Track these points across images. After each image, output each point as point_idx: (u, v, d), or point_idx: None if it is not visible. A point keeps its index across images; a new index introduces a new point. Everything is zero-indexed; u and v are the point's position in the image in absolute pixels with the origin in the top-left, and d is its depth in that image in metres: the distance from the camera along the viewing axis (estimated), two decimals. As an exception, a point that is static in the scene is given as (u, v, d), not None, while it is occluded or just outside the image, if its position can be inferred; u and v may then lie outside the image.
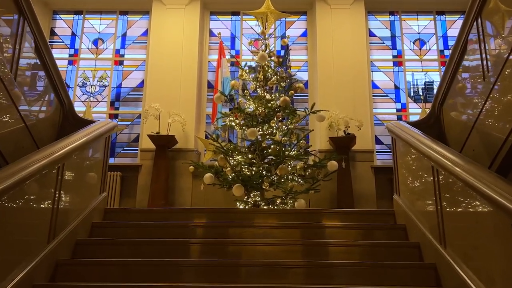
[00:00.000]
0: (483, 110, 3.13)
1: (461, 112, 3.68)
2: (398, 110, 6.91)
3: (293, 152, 5.29)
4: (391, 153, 6.84)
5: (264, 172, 5.16)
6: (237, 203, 5.33)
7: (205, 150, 6.69)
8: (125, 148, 6.84)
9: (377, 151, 6.68)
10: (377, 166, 6.43)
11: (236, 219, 3.81)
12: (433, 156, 2.89)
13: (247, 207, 5.30)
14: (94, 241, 3.37)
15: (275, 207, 5.27)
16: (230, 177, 5.17)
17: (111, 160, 6.76)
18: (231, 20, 7.43)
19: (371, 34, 7.20)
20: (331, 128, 6.48)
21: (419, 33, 7.23)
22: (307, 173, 5.35)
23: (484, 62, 3.12)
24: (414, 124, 4.00)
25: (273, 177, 5.16)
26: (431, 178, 3.00)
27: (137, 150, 6.71)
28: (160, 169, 6.13)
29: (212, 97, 6.60)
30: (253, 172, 5.15)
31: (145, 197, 6.18)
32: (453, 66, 3.74)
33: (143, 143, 6.59)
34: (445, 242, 2.81)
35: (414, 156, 3.45)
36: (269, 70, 5.74)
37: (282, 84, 5.71)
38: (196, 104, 6.77)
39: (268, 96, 5.66)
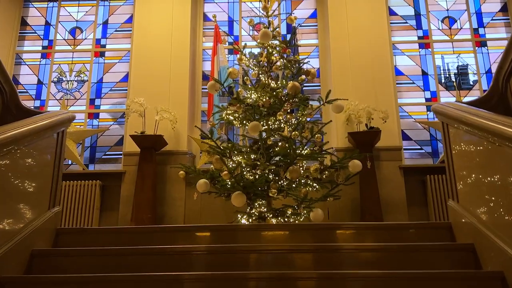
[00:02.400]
0: None
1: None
2: (427, 100, 5.85)
3: (306, 151, 4.26)
4: (421, 151, 5.83)
5: (270, 176, 4.15)
6: (238, 215, 4.30)
7: (200, 153, 5.68)
8: (107, 153, 5.85)
9: (404, 149, 5.61)
10: (406, 166, 5.36)
11: (236, 241, 2.79)
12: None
13: (250, 220, 4.27)
14: (28, 280, 2.35)
15: (286, 220, 4.23)
16: (229, 183, 4.14)
17: (91, 167, 5.77)
18: (228, 2, 6.43)
19: (392, 12, 6.17)
20: (349, 122, 5.44)
21: (448, 10, 6.18)
22: (324, 176, 4.32)
23: None
24: (471, 104, 2.96)
25: (282, 181, 4.14)
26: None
27: (121, 154, 5.71)
28: (146, 176, 5.12)
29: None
30: (257, 176, 4.13)
31: (130, 210, 5.17)
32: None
33: (127, 145, 5.59)
34: (559, 275, 1.77)
35: (488, 145, 2.39)
36: (274, 53, 4.74)
37: (290, 70, 4.70)
38: (189, 99, 5.76)
39: (273, 84, 4.65)
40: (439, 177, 5.16)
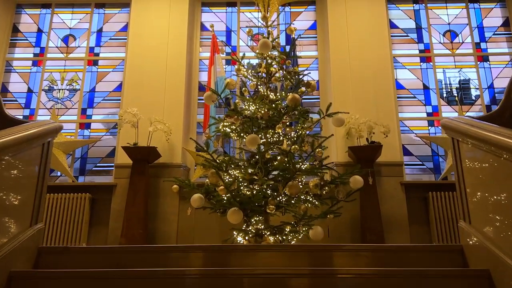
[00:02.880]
0: None
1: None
2: (428, 114, 5.72)
3: (306, 165, 4.08)
4: (422, 167, 5.68)
5: (268, 192, 3.97)
6: (234, 232, 4.10)
7: (195, 166, 5.48)
8: (98, 164, 5.63)
9: (405, 164, 5.44)
10: (407, 183, 5.20)
11: (231, 263, 2.60)
12: None
13: (247, 237, 4.07)
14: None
15: (284, 238, 4.04)
16: (225, 198, 3.95)
17: (81, 179, 5.55)
18: (226, 12, 6.31)
19: (392, 25, 6.07)
20: (349, 136, 5.29)
21: (449, 24, 6.09)
22: (324, 192, 4.14)
23: None
24: (481, 119, 2.81)
25: (280, 197, 3.95)
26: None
27: (112, 166, 5.50)
28: (138, 189, 4.91)
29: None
30: (254, 192, 3.95)
31: (121, 225, 4.94)
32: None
33: (119, 157, 5.39)
34: None
35: (504, 162, 2.23)
36: (273, 63, 4.60)
37: (290, 81, 4.54)
38: (184, 110, 5.59)
39: (272, 96, 4.50)
40: (442, 194, 5.01)
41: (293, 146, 3.98)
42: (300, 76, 4.61)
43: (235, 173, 4.13)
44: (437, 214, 4.96)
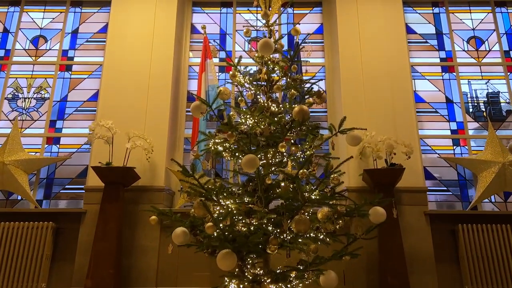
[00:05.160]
0: None
1: None
2: (453, 132, 4.95)
3: (315, 193, 3.27)
4: (448, 193, 4.88)
5: (269, 227, 3.13)
6: (226, 278, 3.26)
7: (181, 189, 4.66)
8: (66, 187, 4.78)
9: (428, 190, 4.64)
10: (432, 213, 4.39)
11: None
12: None
13: (242, 286, 3.22)
14: None
15: (288, 286, 3.20)
16: (215, 234, 3.11)
17: (45, 205, 4.69)
18: (220, 13, 5.55)
19: (410, 30, 5.34)
20: (363, 156, 4.50)
21: (474, 29, 5.37)
22: (337, 227, 3.33)
23: None
24: None
25: (284, 235, 3.12)
26: None
27: (83, 189, 4.65)
28: (109, 218, 4.05)
29: (192, 113, 4.57)
30: (252, 228, 3.12)
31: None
32: None
33: (90, 179, 4.55)
34: None
35: None
36: (276, 69, 3.82)
37: (297, 90, 3.76)
38: (169, 124, 4.78)
39: (273, 107, 3.71)
40: (474, 227, 4.21)
41: (301, 170, 3.17)
42: (308, 85, 3.84)
43: (227, 203, 3.31)
44: (468, 251, 4.15)
